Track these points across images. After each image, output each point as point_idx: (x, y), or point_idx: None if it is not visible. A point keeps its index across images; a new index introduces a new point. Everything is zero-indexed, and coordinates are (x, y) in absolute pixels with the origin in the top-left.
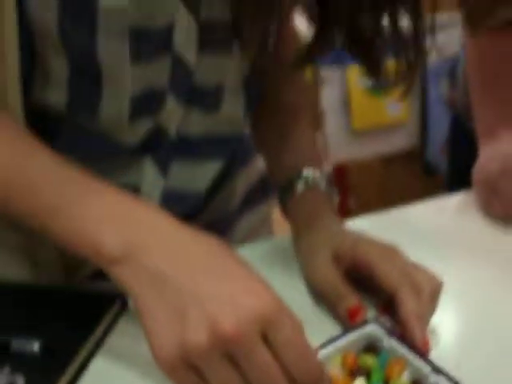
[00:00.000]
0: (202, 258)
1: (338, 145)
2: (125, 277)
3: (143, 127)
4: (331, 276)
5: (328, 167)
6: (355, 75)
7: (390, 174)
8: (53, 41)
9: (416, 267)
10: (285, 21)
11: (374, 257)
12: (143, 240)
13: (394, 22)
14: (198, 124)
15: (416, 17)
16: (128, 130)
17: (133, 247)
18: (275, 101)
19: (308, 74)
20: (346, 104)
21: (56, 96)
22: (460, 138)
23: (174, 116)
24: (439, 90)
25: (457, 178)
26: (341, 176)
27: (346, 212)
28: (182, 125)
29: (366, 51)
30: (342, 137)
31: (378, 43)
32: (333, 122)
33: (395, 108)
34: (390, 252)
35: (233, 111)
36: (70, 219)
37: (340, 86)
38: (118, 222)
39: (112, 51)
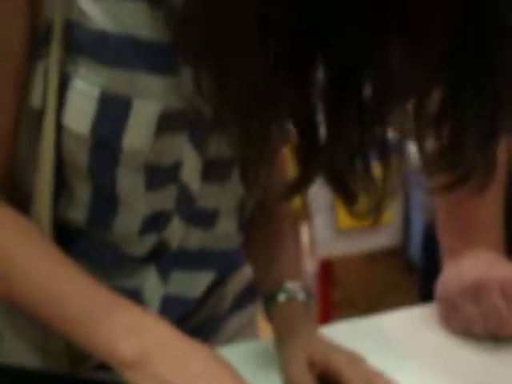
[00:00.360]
0: (198, 365)
1: (325, 242)
2: (137, 380)
3: (150, 241)
4: (306, 380)
5: (314, 263)
6: None
7: (374, 269)
8: (81, 172)
9: (378, 375)
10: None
11: (342, 364)
12: (151, 349)
13: (367, 162)
14: (196, 239)
15: (385, 164)
16: (136, 243)
17: (143, 355)
18: (261, 212)
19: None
20: (333, 204)
21: (77, 214)
22: (432, 245)
23: (177, 232)
24: (420, 194)
25: (430, 281)
26: (326, 271)
27: (330, 305)
28: (183, 239)
29: (341, 186)
30: (328, 234)
31: (353, 179)
32: (320, 221)
33: None
34: (357, 360)
35: (227, 229)
36: (91, 327)
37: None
38: (131, 332)
39: (129, 182)
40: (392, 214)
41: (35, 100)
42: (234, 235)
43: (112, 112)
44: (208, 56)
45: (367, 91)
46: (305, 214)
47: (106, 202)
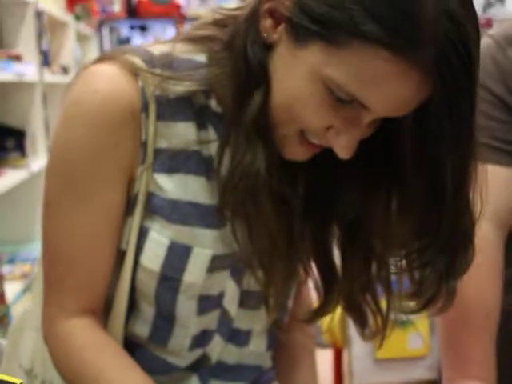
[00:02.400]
0: None
1: (362, 371)
2: None
3: (195, 355)
4: None
5: None
6: None
7: None
8: (149, 298)
9: None
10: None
11: None
12: None
13: (375, 295)
14: (233, 354)
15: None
16: (184, 356)
17: None
18: (287, 339)
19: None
20: None
21: (141, 330)
22: None
23: (217, 348)
24: None
25: None
26: None
27: None
28: (222, 354)
29: (356, 313)
30: (365, 364)
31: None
32: (358, 350)
33: (417, 341)
34: None
35: (258, 347)
36: None
37: None
38: None
39: (185, 307)
40: (428, 347)
41: (121, 244)
42: (264, 353)
43: (177, 255)
44: (242, 215)
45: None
46: (344, 343)
47: (165, 322)
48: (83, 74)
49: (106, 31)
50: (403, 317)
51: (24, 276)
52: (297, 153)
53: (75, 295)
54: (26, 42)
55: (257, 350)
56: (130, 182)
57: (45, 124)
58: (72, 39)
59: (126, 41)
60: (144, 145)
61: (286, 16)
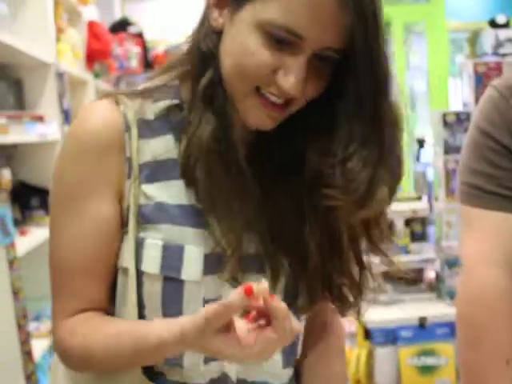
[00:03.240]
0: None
1: None
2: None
3: (212, 372)
4: None
5: None
6: (407, 354)
7: None
8: (156, 310)
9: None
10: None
11: None
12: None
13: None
14: (250, 371)
15: None
16: (202, 373)
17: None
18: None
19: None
20: (398, 380)
21: None
22: None
23: (233, 365)
24: None
25: None
26: None
27: None
28: (240, 373)
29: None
30: None
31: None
32: None
33: None
34: None
35: (274, 364)
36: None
37: (392, 362)
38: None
39: (192, 312)
40: None
41: (122, 262)
42: (282, 371)
43: (172, 255)
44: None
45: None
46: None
47: None
48: (79, 112)
49: (123, 86)
50: (430, 362)
51: (51, 333)
52: (260, 117)
53: (74, 298)
54: (48, 102)
55: (273, 368)
56: (121, 197)
57: None
58: (91, 96)
59: None
60: (129, 160)
61: None
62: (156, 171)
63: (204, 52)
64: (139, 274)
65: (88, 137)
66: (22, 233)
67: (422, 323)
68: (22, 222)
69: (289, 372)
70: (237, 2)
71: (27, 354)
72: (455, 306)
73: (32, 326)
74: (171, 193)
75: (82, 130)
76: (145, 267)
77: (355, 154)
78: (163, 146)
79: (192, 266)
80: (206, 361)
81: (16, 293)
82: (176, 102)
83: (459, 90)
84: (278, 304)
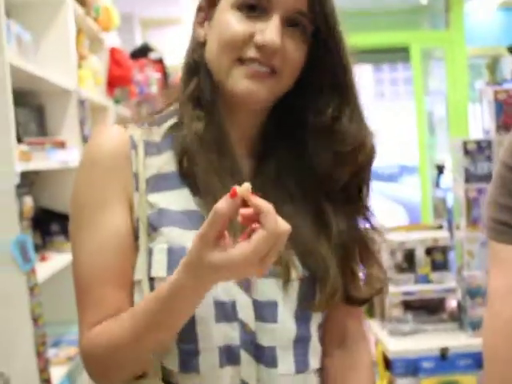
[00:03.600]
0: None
1: None
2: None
3: (229, 377)
4: None
5: None
6: None
7: None
8: None
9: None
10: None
11: None
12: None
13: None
14: (268, 379)
15: None
16: (220, 376)
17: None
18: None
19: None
20: None
21: (171, 363)
22: None
23: (249, 369)
24: None
25: None
26: None
27: None
28: (257, 380)
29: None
30: None
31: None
32: None
33: None
34: None
35: (287, 369)
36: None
37: None
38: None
39: (203, 311)
40: None
41: (136, 275)
42: (295, 375)
43: (177, 257)
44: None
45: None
46: None
47: (189, 342)
48: (92, 135)
49: (143, 111)
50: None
51: (70, 359)
52: (248, 85)
53: (99, 308)
54: (69, 128)
55: (286, 373)
56: (131, 210)
57: None
58: (112, 121)
59: None
60: (136, 175)
61: (203, 6)
62: (159, 182)
63: (190, 64)
64: (151, 281)
65: (98, 155)
66: (43, 258)
67: (444, 354)
68: (42, 248)
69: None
70: (212, 5)
71: (46, 382)
72: (482, 338)
73: (51, 353)
74: (173, 200)
75: (93, 150)
76: (154, 273)
77: (343, 112)
78: (167, 161)
79: None
80: (222, 364)
81: (36, 319)
82: (175, 120)
83: (479, 116)
84: (261, 201)
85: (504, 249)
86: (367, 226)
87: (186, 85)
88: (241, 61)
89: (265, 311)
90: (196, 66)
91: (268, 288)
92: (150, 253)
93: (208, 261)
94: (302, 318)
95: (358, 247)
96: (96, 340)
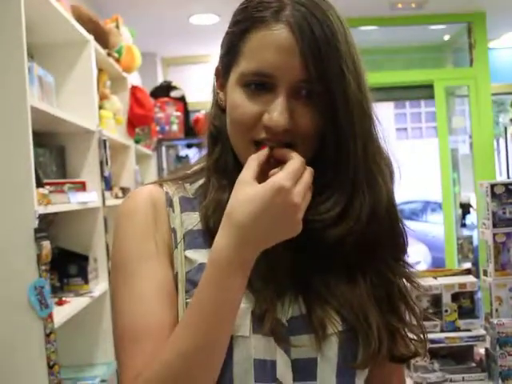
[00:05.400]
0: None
1: None
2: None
3: None
4: None
5: None
6: None
7: None
8: None
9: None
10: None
11: None
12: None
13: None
14: None
15: None
16: None
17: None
18: None
19: None
20: None
21: None
22: None
23: None
24: None
25: None
26: None
27: None
28: None
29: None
30: None
31: None
32: None
33: None
34: None
35: None
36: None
37: None
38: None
39: (242, 370)
40: None
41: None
42: None
43: None
44: None
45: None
46: None
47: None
48: (128, 194)
49: (163, 149)
50: None
51: None
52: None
53: (144, 357)
54: (89, 169)
55: None
56: (172, 265)
57: (106, 247)
58: (132, 161)
59: (184, 158)
60: (174, 231)
61: (219, 71)
62: (196, 238)
63: (212, 132)
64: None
65: (136, 211)
66: (60, 303)
67: None
68: (59, 290)
69: None
70: (226, 74)
71: None
72: None
73: None
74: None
75: (131, 206)
76: None
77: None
78: (199, 218)
79: (239, 320)
80: (257, 380)
81: (51, 367)
82: (205, 179)
83: (504, 153)
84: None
85: None
86: (404, 279)
87: (211, 150)
88: (256, 142)
89: (304, 369)
90: (218, 132)
91: (305, 344)
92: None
93: (244, 195)
94: (345, 374)
95: (397, 302)
96: (147, 372)
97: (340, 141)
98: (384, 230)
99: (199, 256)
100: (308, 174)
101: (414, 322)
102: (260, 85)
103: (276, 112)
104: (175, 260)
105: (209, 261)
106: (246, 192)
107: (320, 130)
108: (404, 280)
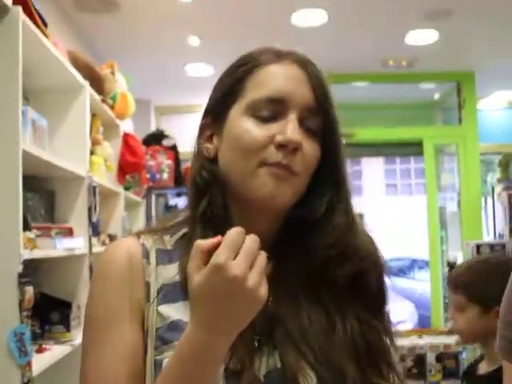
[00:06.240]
0: None
1: None
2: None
3: None
4: None
5: None
6: None
7: None
8: None
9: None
10: None
11: None
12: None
13: None
14: None
15: None
16: None
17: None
18: None
19: None
20: None
21: None
22: None
23: None
24: None
25: None
26: None
27: None
28: None
29: None
30: None
31: None
32: None
33: None
34: None
35: None
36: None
37: None
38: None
39: None
40: None
41: None
42: None
43: None
44: None
45: None
46: None
47: None
48: (106, 248)
49: (153, 197)
50: None
51: None
52: (272, 187)
53: None
54: (78, 215)
55: None
56: (143, 320)
57: None
58: (121, 208)
59: (173, 207)
60: (147, 284)
61: (208, 123)
62: (170, 293)
63: (198, 184)
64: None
65: (111, 266)
66: (40, 350)
67: None
68: (40, 336)
69: None
70: (220, 119)
71: None
72: None
73: None
74: (185, 311)
75: (106, 261)
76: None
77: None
78: (177, 270)
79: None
80: None
81: None
82: (186, 230)
83: (491, 213)
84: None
85: None
86: (383, 334)
87: (195, 204)
88: (265, 164)
89: None
90: (206, 184)
91: None
92: (157, 364)
93: (192, 286)
94: None
95: (376, 358)
96: None
97: (335, 176)
98: (370, 266)
99: (173, 311)
100: (250, 241)
101: (396, 379)
102: (270, 114)
103: (290, 129)
104: (147, 315)
105: (178, 347)
106: (193, 282)
107: (317, 163)
108: (384, 334)
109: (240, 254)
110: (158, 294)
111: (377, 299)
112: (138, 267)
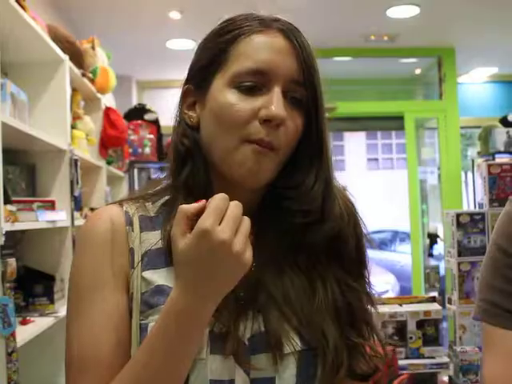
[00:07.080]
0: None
1: None
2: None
3: None
4: None
5: None
6: None
7: None
8: None
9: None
10: None
11: None
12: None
13: None
14: None
15: None
16: None
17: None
18: None
19: None
20: None
21: None
22: None
23: None
24: None
25: None
26: None
27: None
28: None
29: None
30: None
31: None
32: None
33: None
34: None
35: None
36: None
37: None
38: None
39: None
40: None
41: (131, 351)
42: None
43: None
44: None
45: None
46: None
47: None
48: (88, 216)
49: (135, 171)
50: None
51: None
52: (253, 165)
53: None
54: (59, 188)
55: None
56: (128, 286)
57: None
58: (103, 182)
59: None
60: (132, 251)
61: (191, 90)
62: (154, 259)
63: (180, 151)
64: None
65: (94, 232)
66: (24, 322)
67: None
68: (24, 309)
69: None
70: (203, 87)
71: None
72: None
73: None
74: (169, 277)
75: (89, 228)
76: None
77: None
78: (159, 237)
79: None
80: None
81: None
82: (169, 196)
83: (471, 185)
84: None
85: (498, 334)
86: (363, 296)
87: (177, 172)
88: (248, 140)
89: None
90: (187, 151)
91: (264, 364)
92: (143, 329)
93: (177, 251)
94: None
95: (356, 319)
96: None
97: (318, 145)
98: (349, 230)
99: (157, 277)
100: (234, 206)
101: (374, 338)
102: (253, 86)
103: (274, 104)
104: (132, 281)
105: (164, 312)
106: (178, 247)
107: (300, 134)
108: (364, 296)
109: (225, 219)
110: (142, 259)
111: (356, 262)
112: (122, 234)
